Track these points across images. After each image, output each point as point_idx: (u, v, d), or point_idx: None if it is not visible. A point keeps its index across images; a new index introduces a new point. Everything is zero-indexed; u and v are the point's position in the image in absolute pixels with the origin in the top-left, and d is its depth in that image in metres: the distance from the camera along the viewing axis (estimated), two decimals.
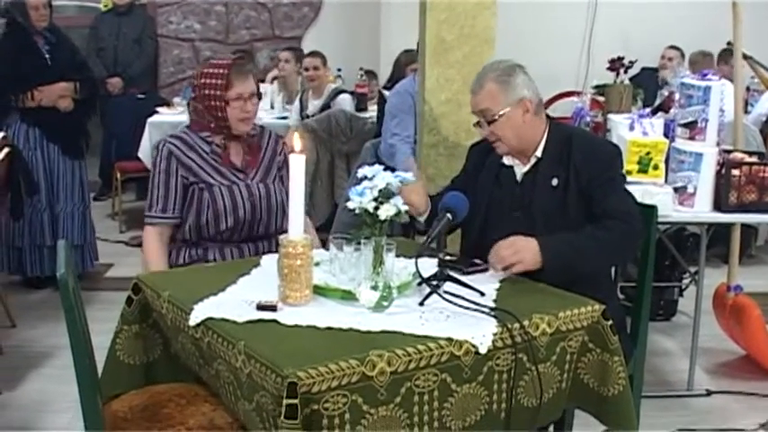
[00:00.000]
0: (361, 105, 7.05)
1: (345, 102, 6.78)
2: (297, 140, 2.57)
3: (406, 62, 6.80)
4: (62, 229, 5.65)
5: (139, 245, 6.63)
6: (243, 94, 3.38)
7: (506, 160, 3.22)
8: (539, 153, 3.15)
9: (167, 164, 3.38)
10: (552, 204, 3.08)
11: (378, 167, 2.55)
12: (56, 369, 4.41)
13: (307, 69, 7.07)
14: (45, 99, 5.50)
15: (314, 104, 6.88)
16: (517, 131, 3.11)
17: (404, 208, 2.53)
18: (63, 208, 5.67)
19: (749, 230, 6.52)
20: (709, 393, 4.30)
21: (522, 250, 2.85)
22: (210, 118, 3.42)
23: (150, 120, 7.06)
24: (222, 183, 3.40)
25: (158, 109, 7.46)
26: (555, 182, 3.10)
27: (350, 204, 2.55)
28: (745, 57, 4.74)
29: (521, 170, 3.20)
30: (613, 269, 3.60)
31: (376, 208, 2.50)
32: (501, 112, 3.08)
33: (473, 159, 3.40)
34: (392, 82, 6.89)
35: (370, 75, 7.83)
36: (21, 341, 4.81)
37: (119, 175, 7.43)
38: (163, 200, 3.39)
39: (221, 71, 3.38)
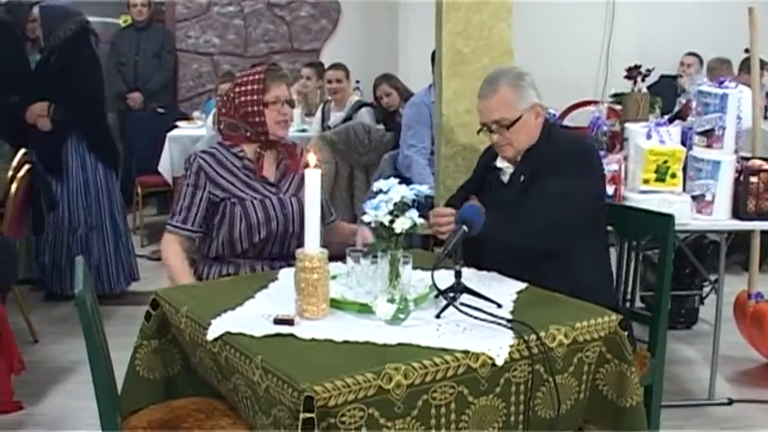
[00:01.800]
0: (380, 117, 7.06)
1: (367, 115, 6.80)
2: (312, 155, 2.58)
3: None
4: (95, 248, 5.76)
5: (160, 259, 6.73)
6: (280, 98, 3.44)
7: (499, 162, 3.30)
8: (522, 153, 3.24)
9: (196, 178, 3.41)
10: (521, 199, 3.11)
11: (393, 181, 2.56)
12: (77, 384, 4.43)
13: (330, 82, 7.10)
14: (27, 116, 5.60)
15: (336, 116, 6.90)
16: (528, 135, 3.21)
17: (419, 221, 2.54)
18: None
19: None
20: (730, 402, 4.27)
21: None
22: (247, 126, 3.44)
23: (170, 134, 7.10)
24: (255, 197, 3.41)
25: (178, 123, 7.50)
26: (522, 178, 3.19)
27: (365, 218, 2.56)
28: (763, 64, 4.72)
29: (508, 171, 3.27)
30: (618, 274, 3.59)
31: (391, 221, 2.51)
32: (517, 117, 3.15)
33: (480, 162, 3.54)
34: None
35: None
36: (43, 357, 4.84)
37: (139, 190, 7.47)
38: (185, 211, 3.41)
39: (257, 77, 3.44)
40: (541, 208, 3.02)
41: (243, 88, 3.45)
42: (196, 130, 7.11)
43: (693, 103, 4.19)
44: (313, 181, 2.55)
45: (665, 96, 6.37)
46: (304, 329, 2.47)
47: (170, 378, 2.90)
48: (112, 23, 8.75)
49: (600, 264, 3.31)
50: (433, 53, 5.41)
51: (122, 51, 8.24)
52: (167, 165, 6.93)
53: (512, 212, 3.05)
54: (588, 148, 3.31)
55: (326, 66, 7.67)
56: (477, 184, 3.44)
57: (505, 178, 3.30)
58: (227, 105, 3.50)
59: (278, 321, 2.51)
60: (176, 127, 7.37)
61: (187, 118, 7.84)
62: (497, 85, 3.18)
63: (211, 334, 2.51)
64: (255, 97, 3.41)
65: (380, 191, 2.54)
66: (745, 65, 7.40)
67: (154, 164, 7.15)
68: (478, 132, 3.32)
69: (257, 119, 3.42)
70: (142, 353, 2.87)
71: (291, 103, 3.53)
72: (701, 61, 8.26)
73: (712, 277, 4.44)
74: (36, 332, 5.09)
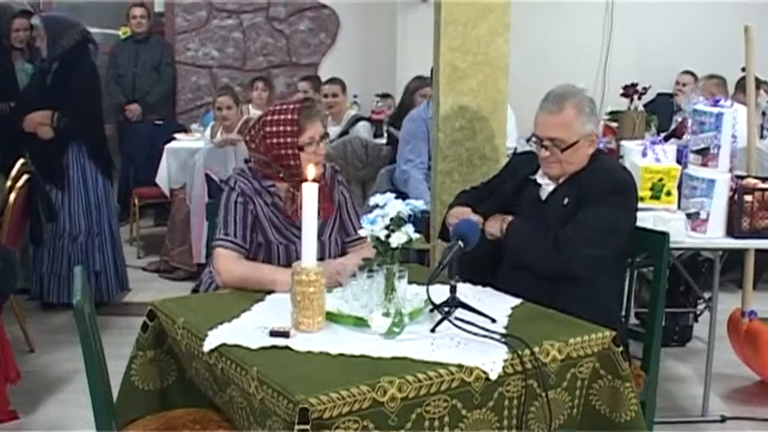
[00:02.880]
0: (378, 132, 7.09)
1: (364, 129, 6.82)
2: (311, 169, 2.60)
3: (414, 89, 6.85)
4: (90, 256, 5.75)
5: (156, 270, 6.77)
6: (315, 138, 3.24)
7: (539, 177, 3.29)
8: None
9: (245, 199, 3.23)
10: (561, 223, 3.13)
11: (389, 195, 2.58)
12: (73, 394, 4.43)
13: (326, 96, 7.13)
14: (26, 125, 5.59)
15: (332, 130, 6.91)
16: (578, 161, 3.21)
17: (415, 236, 2.56)
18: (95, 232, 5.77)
19: (764, 255, 6.49)
20: (723, 419, 4.29)
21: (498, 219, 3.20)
22: (280, 168, 3.25)
23: (168, 146, 7.10)
24: (280, 242, 3.25)
25: (176, 135, 7.51)
26: (566, 201, 3.17)
27: (362, 232, 2.58)
28: (758, 83, 4.75)
29: (548, 188, 3.27)
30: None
31: (387, 236, 2.53)
32: (573, 141, 3.15)
33: (510, 168, 3.51)
34: (400, 109, 6.91)
35: (386, 97, 7.89)
36: (38, 366, 4.84)
37: (137, 201, 7.48)
38: (241, 232, 3.20)
39: (291, 117, 3.22)
40: (587, 238, 3.04)
41: (275, 129, 3.22)
42: (194, 143, 7.11)
43: (689, 122, 4.21)
44: (310, 195, 2.57)
45: (662, 114, 6.42)
46: (299, 342, 2.49)
47: (165, 389, 2.92)
48: (112, 35, 8.77)
49: (618, 292, 3.36)
50: (432, 68, 5.46)
51: (121, 63, 8.24)
52: (165, 177, 6.93)
53: (552, 234, 3.08)
54: (631, 180, 3.28)
55: (324, 80, 7.70)
56: (511, 190, 3.36)
57: (543, 195, 3.28)
58: (255, 141, 3.28)
59: (273, 334, 2.53)
60: (174, 139, 7.38)
61: (185, 130, 7.84)
62: (564, 104, 3.16)
63: (208, 345, 2.53)
64: (290, 140, 3.20)
65: (377, 205, 2.56)
66: (741, 84, 7.46)
67: (151, 175, 7.14)
68: (527, 141, 3.34)
69: (292, 162, 3.22)
70: (138, 363, 2.89)
71: (325, 137, 3.33)
72: (696, 79, 8.30)
73: (706, 295, 4.46)
74: (32, 341, 5.10)
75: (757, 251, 4.47)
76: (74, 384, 4.53)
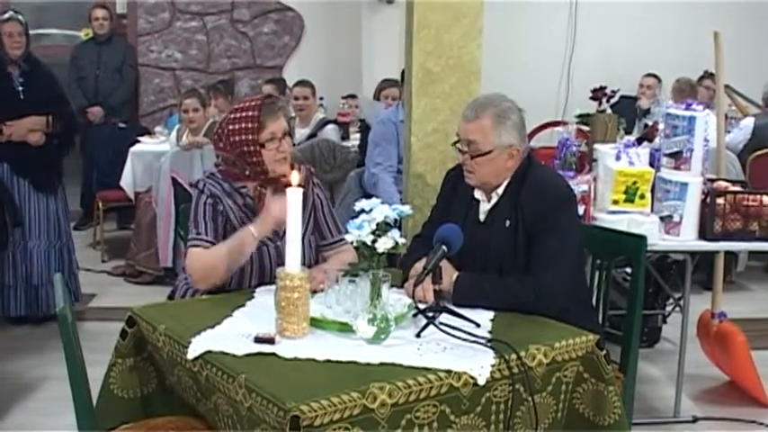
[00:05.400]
0: (344, 134, 7.08)
1: (332, 133, 6.81)
2: (294, 175, 2.59)
3: (379, 90, 6.85)
4: (36, 268, 5.44)
5: (122, 274, 6.70)
6: (276, 134, 3.21)
7: (476, 193, 3.20)
8: (500, 191, 3.14)
9: (214, 201, 3.21)
10: (506, 246, 3.07)
11: (375, 200, 2.56)
12: (41, 402, 4.38)
13: (296, 98, 7.09)
14: (15, 134, 5.29)
15: (300, 133, 6.89)
16: (495, 172, 3.11)
17: (401, 241, 2.55)
18: (36, 245, 5.45)
19: (729, 257, 6.58)
20: (695, 420, 4.33)
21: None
22: (245, 166, 3.23)
23: (132, 149, 7.02)
24: None
25: (140, 138, 7.44)
26: (507, 223, 3.09)
27: (348, 237, 2.56)
28: (726, 86, 4.81)
29: (485, 208, 3.18)
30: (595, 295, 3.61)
31: (374, 241, 2.52)
32: (487, 150, 3.06)
33: (448, 186, 3.39)
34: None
35: (351, 98, 7.88)
36: (3, 374, 4.77)
37: (100, 205, 7.39)
38: (213, 232, 3.18)
39: (251, 113, 3.21)
40: (559, 274, 2.95)
41: (236, 126, 3.21)
42: (159, 146, 7.06)
43: (660, 125, 4.25)
44: (295, 200, 2.56)
45: (625, 117, 6.47)
46: (285, 348, 2.48)
47: (145, 397, 2.88)
48: (74, 36, 8.68)
49: (588, 294, 3.35)
50: (403, 71, 5.46)
51: (83, 65, 8.13)
52: (129, 180, 6.87)
53: (515, 266, 3.01)
54: (568, 187, 3.20)
55: (288, 82, 7.68)
56: (457, 210, 3.25)
57: (482, 216, 3.20)
58: (222, 139, 3.27)
59: (258, 340, 2.51)
60: (138, 142, 7.30)
61: (149, 133, 7.78)
62: (482, 112, 3.08)
63: (192, 352, 2.50)
64: (250, 137, 3.18)
65: (363, 210, 2.55)
66: (702, 83, 7.60)
67: (114, 179, 7.07)
68: (453, 144, 3.23)
69: (254, 159, 3.20)
70: (117, 371, 2.85)
71: (290, 134, 3.31)
72: (660, 82, 8.39)
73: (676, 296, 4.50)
74: None
75: (726, 253, 4.51)
76: (41, 392, 4.49)
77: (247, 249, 3.11)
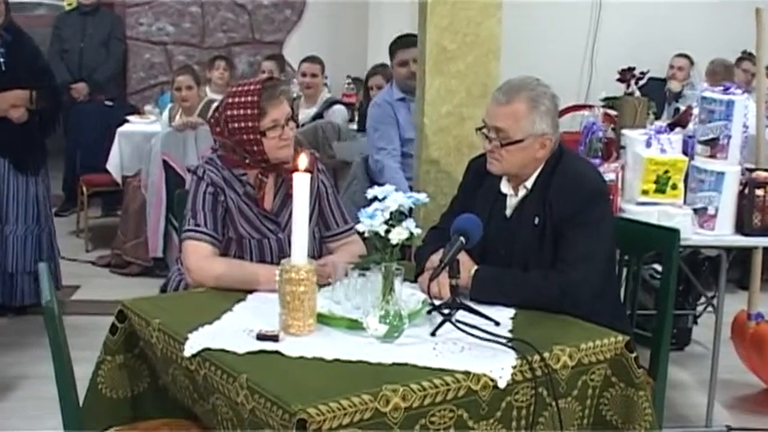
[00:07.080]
0: (351, 117, 7.06)
1: (339, 114, 6.77)
2: (302, 158, 2.58)
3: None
4: (11, 255, 5.41)
5: (107, 265, 6.71)
6: (279, 121, 3.19)
7: (503, 186, 3.19)
8: (529, 184, 3.13)
9: (215, 190, 3.20)
10: (533, 243, 3.07)
11: (389, 188, 2.55)
12: (20, 401, 4.38)
13: (304, 75, 7.06)
14: None
15: (306, 113, 6.84)
16: (524, 163, 3.09)
17: (417, 231, 2.54)
18: (13, 230, 5.41)
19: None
20: (729, 430, 4.32)
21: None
22: (245, 154, 3.22)
23: (120, 129, 7.03)
24: (252, 236, 3.25)
25: (129, 118, 7.43)
26: (536, 220, 3.08)
27: (359, 227, 2.55)
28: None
29: (512, 202, 3.17)
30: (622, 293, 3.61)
31: (387, 231, 2.51)
32: (519, 138, 3.03)
33: (471, 176, 3.37)
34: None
35: (358, 83, 7.85)
36: None
37: (84, 189, 7.39)
38: (212, 224, 3.18)
39: (251, 99, 3.18)
40: (588, 270, 2.95)
41: (235, 112, 3.19)
42: (149, 126, 7.06)
43: (695, 110, 4.23)
44: (302, 186, 2.55)
45: (654, 100, 6.46)
46: (290, 346, 2.47)
47: (136, 397, 2.89)
48: (56, 6, 8.67)
49: (612, 295, 3.33)
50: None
51: (66, 37, 8.11)
52: (117, 163, 6.87)
53: (539, 263, 3.01)
54: (600, 177, 3.20)
55: (289, 59, 7.65)
56: (482, 203, 3.21)
57: (509, 211, 3.18)
58: (219, 124, 3.25)
59: (261, 337, 2.51)
60: (127, 121, 7.30)
61: (138, 112, 7.76)
62: (515, 96, 3.03)
63: (189, 350, 2.50)
64: (251, 124, 3.16)
65: (376, 198, 2.54)
66: (740, 65, 7.56)
67: (100, 161, 7.07)
68: (478, 130, 3.16)
69: (255, 148, 3.19)
70: (105, 369, 2.85)
71: (294, 119, 3.29)
72: (692, 63, 8.37)
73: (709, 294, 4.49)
74: None
75: (764, 249, 4.49)
76: (21, 391, 4.49)
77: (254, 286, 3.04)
